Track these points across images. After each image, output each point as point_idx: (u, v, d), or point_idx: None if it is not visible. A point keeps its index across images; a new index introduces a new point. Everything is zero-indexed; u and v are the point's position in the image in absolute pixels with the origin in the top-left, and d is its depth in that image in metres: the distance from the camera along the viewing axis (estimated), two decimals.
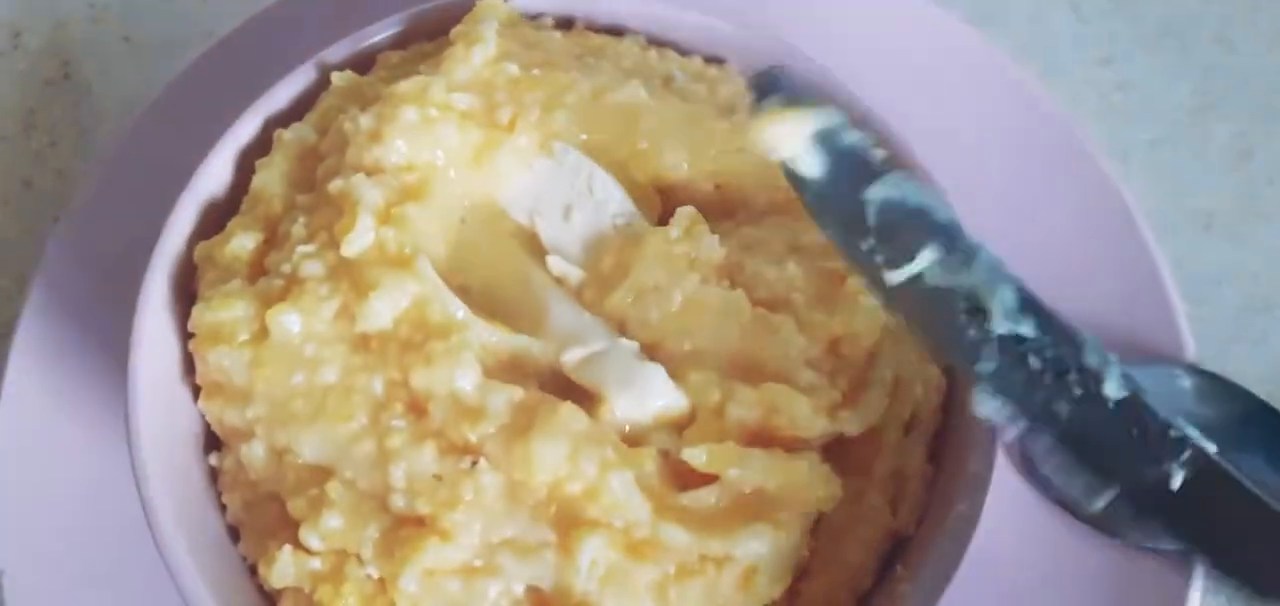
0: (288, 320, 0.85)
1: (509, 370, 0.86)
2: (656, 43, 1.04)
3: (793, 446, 0.84)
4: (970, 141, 1.09)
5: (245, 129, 0.97)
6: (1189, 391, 1.04)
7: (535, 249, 0.92)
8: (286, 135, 0.96)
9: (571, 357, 0.87)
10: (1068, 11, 1.39)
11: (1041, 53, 1.34)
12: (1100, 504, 0.97)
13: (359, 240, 0.86)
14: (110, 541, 0.97)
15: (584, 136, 0.95)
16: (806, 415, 0.84)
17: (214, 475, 0.91)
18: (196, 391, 0.90)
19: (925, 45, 1.17)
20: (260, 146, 0.97)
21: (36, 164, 1.29)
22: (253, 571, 0.87)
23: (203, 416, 0.91)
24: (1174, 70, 1.36)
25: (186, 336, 0.90)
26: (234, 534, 0.90)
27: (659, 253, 0.89)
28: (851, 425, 0.86)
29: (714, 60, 1.03)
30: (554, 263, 0.91)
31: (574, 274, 0.91)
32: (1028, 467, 0.96)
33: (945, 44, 1.17)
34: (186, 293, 0.93)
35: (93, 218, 1.12)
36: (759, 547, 0.81)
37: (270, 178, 0.94)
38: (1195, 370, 1.03)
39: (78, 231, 1.12)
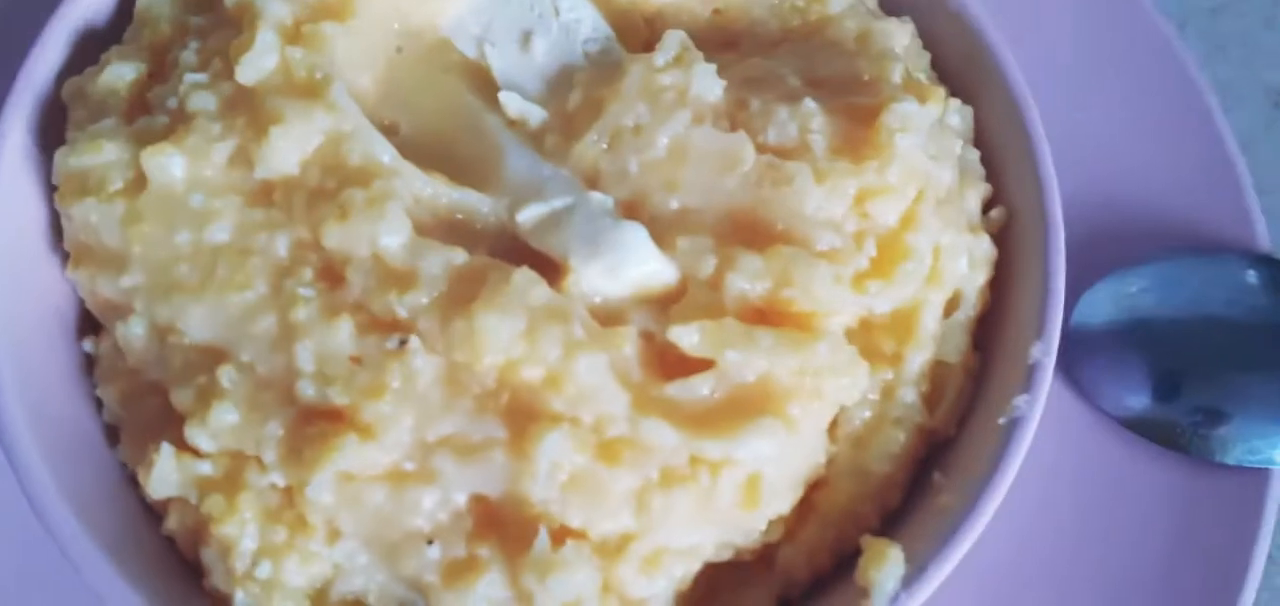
0: (169, 163, 0.68)
1: (449, 230, 0.69)
2: None
3: (806, 326, 0.67)
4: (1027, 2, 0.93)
5: None
6: (1257, 285, 0.89)
7: (485, 86, 0.74)
8: None
9: (528, 216, 0.69)
10: None
11: None
12: (1178, 415, 0.82)
13: (258, 62, 0.68)
14: None
15: None
16: (826, 286, 0.67)
17: (90, 365, 0.74)
18: (66, 261, 0.73)
19: None
20: None
21: None
22: (135, 483, 0.70)
23: (76, 293, 0.74)
24: None
25: (53, 192, 0.72)
26: (114, 435, 0.73)
27: (641, 86, 0.71)
28: (881, 300, 0.69)
29: None
30: (508, 101, 0.73)
31: (534, 114, 0.73)
32: (1072, 367, 0.81)
33: None
34: (58, 142, 0.75)
35: None
36: (764, 449, 0.65)
37: None
38: (1267, 260, 0.88)
39: None
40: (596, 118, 0.71)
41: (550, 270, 0.68)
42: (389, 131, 0.71)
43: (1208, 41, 1.13)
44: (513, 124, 0.73)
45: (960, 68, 0.81)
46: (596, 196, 0.70)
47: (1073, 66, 0.96)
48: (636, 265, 0.68)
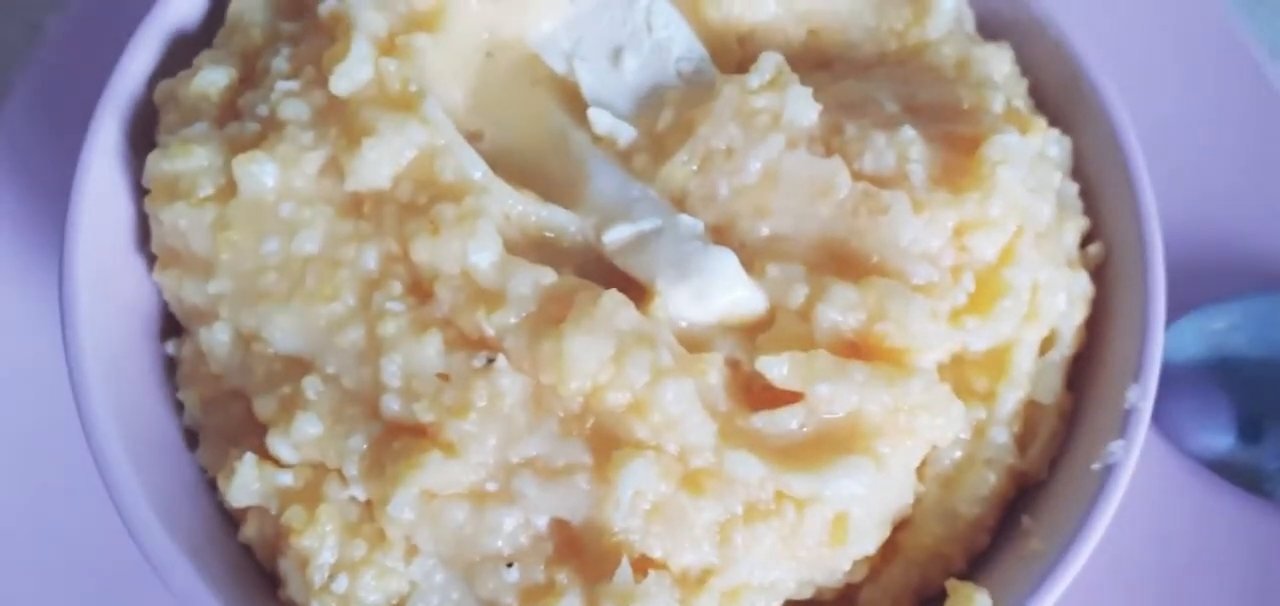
0: (261, 171, 0.67)
1: (536, 247, 0.68)
2: None
3: (899, 361, 0.65)
4: (1113, 22, 0.91)
5: None
6: None
7: (574, 101, 0.73)
8: None
9: (615, 237, 0.68)
10: None
11: None
12: (1262, 460, 0.80)
13: (353, 72, 0.67)
14: (46, 441, 0.80)
15: None
16: (921, 321, 0.65)
17: (171, 367, 0.74)
18: (153, 265, 0.73)
19: None
20: None
21: (5, 15, 1.12)
22: (213, 487, 0.70)
23: (160, 296, 0.74)
24: None
25: (143, 197, 0.73)
26: (192, 439, 0.73)
27: (734, 108, 0.70)
28: (977, 337, 0.67)
29: None
30: (598, 118, 0.72)
31: (623, 133, 0.72)
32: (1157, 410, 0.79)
33: None
34: (148, 146, 0.75)
35: (57, 70, 0.96)
36: (853, 488, 0.63)
37: (252, 2, 0.76)
38: None
39: (39, 87, 0.96)
40: (687, 138, 0.70)
41: (635, 292, 0.67)
42: (473, 139, 0.70)
43: None
44: (601, 141, 0.72)
45: (1058, 96, 0.79)
46: (685, 219, 0.69)
47: (1166, 96, 0.94)
48: (724, 291, 0.67)
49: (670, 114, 0.72)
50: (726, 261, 0.67)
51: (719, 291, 0.67)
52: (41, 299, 0.85)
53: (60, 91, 0.96)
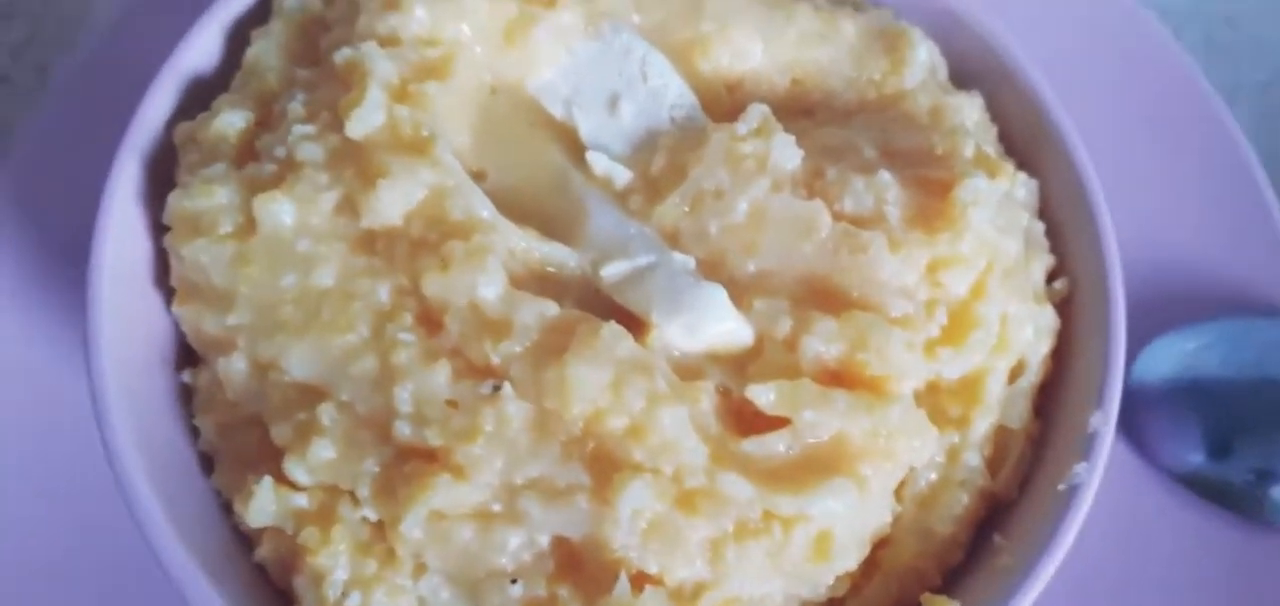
0: (279, 210, 0.71)
1: (537, 282, 0.72)
2: None
3: (879, 389, 0.70)
4: (1078, 70, 0.97)
5: None
6: None
7: (572, 144, 0.78)
8: (288, 2, 0.82)
9: (612, 273, 0.73)
10: None
11: None
12: (1232, 474, 0.84)
13: (367, 118, 0.72)
14: (65, 469, 0.83)
15: (637, 18, 0.80)
16: (898, 352, 0.70)
17: (187, 395, 0.78)
18: (171, 297, 0.77)
19: None
20: (257, 17, 0.83)
21: (15, 59, 1.15)
22: (228, 509, 0.74)
23: (177, 326, 0.78)
24: None
25: (161, 233, 0.76)
26: (207, 463, 0.76)
27: (723, 153, 0.74)
28: (950, 367, 0.72)
29: None
30: (595, 161, 0.77)
31: (619, 175, 0.77)
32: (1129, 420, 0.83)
33: None
34: (166, 183, 0.79)
35: (69, 111, 0.99)
36: (836, 507, 0.67)
37: (267, 49, 0.80)
38: None
39: (52, 126, 0.98)
40: (680, 181, 0.75)
41: (632, 325, 0.71)
42: (477, 178, 0.75)
43: (1258, 112, 1.15)
44: (598, 182, 0.77)
45: (1025, 141, 0.84)
46: (678, 256, 0.73)
47: (1129, 139, 0.99)
48: (715, 324, 0.71)
49: (664, 158, 0.77)
50: (716, 296, 0.71)
51: (710, 324, 0.71)
52: (47, 341, 0.87)
53: (70, 134, 0.98)
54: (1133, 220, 0.86)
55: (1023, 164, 0.82)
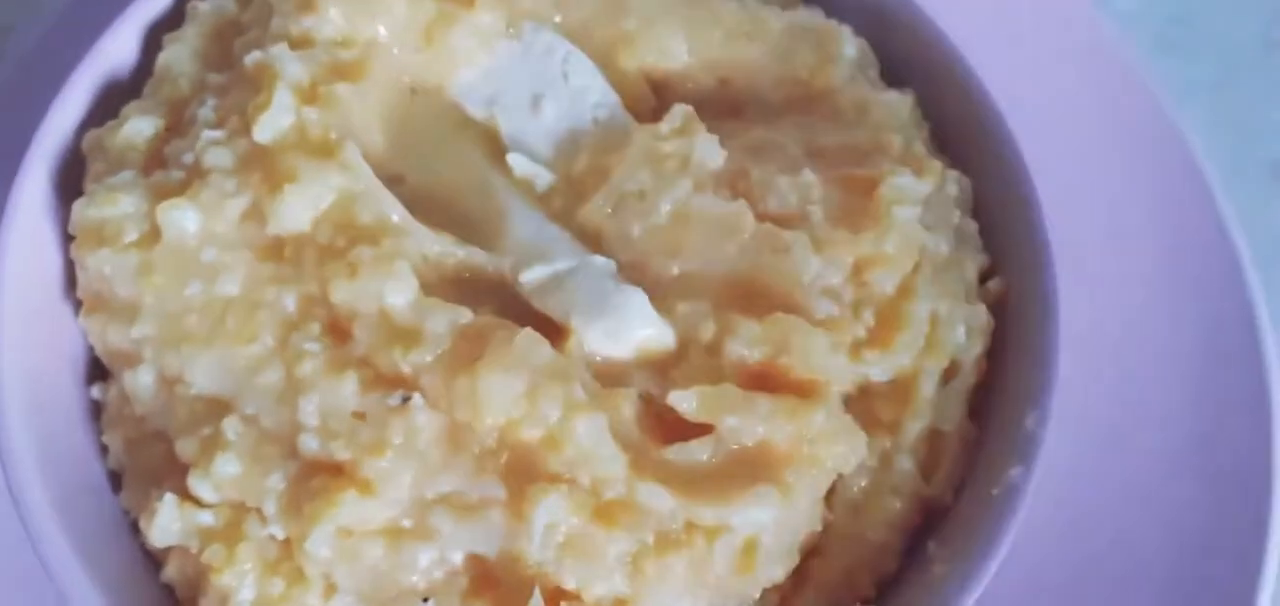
0: (183, 217, 0.69)
1: (454, 288, 0.70)
2: None
3: (805, 393, 0.68)
4: (1023, 69, 0.94)
5: (153, 2, 0.81)
6: None
7: (493, 147, 0.76)
8: (202, 6, 0.80)
9: (532, 277, 0.70)
10: None
11: None
12: None
13: (275, 121, 0.70)
14: None
15: (558, 17, 0.78)
16: (823, 354, 0.68)
17: (97, 411, 0.75)
18: (80, 308, 0.74)
19: None
20: (173, 21, 0.81)
21: None
22: (136, 528, 0.71)
23: (86, 340, 0.75)
24: (1238, 3, 1.20)
25: (69, 244, 0.74)
26: (117, 481, 0.73)
27: (646, 153, 0.72)
28: (878, 369, 0.70)
29: None
30: (516, 162, 0.75)
31: (541, 176, 0.75)
32: None
33: None
34: (76, 193, 0.77)
35: None
36: (761, 516, 0.65)
37: (180, 54, 0.78)
38: None
39: None
40: (602, 183, 0.73)
41: (552, 331, 0.69)
42: (395, 181, 0.73)
43: (1211, 116, 1.14)
44: (519, 185, 0.75)
45: (960, 136, 0.82)
46: (599, 260, 0.71)
47: (1070, 136, 0.97)
48: (637, 328, 0.69)
49: (585, 159, 0.75)
50: (638, 300, 0.69)
51: (631, 328, 0.69)
52: None
53: None
54: (1073, 219, 0.85)
55: (958, 162, 0.80)
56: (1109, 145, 1.00)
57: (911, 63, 0.84)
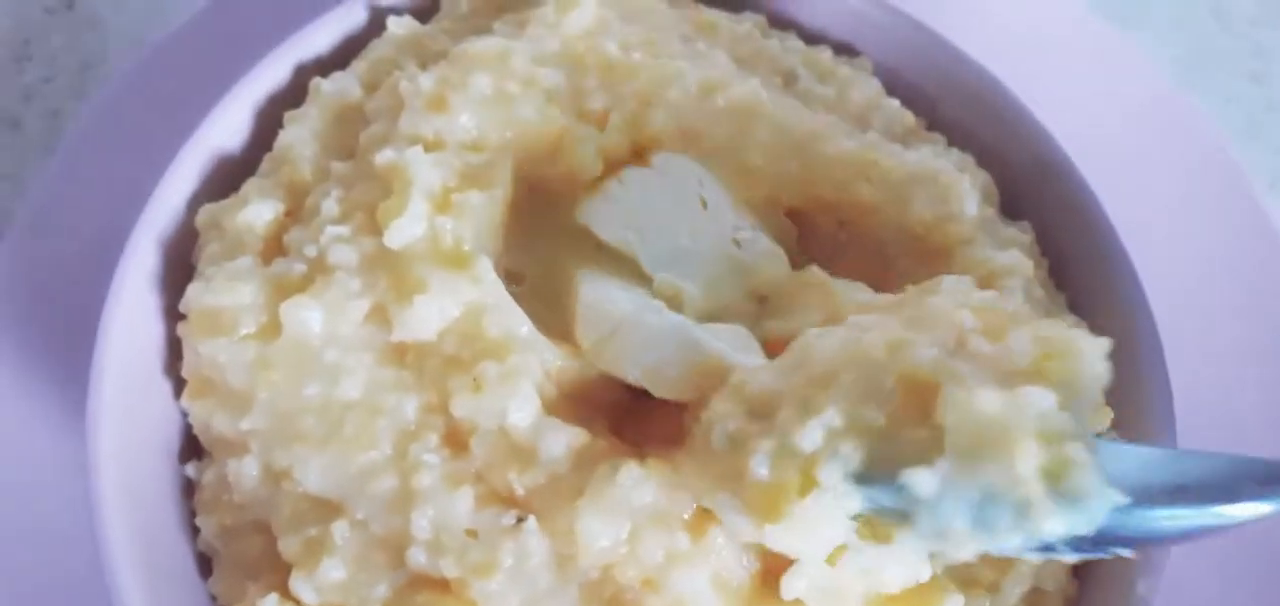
0: (308, 315, 0.68)
1: (570, 401, 0.69)
2: (779, 23, 0.88)
3: None
4: (1117, 149, 0.94)
5: (271, 73, 0.80)
6: None
7: (623, 268, 0.74)
8: (325, 86, 0.80)
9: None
10: (1211, 19, 1.20)
11: (1184, 64, 1.17)
12: None
13: (408, 228, 0.68)
14: (62, 555, 0.79)
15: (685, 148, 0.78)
16: None
17: (190, 489, 0.74)
18: (179, 386, 0.73)
19: (1072, 42, 1.05)
20: (290, 97, 0.81)
21: (27, 102, 1.12)
22: None
23: (184, 417, 0.74)
24: None
25: (175, 318, 0.73)
26: (205, 563, 0.72)
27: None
28: None
29: (845, 50, 0.88)
30: (664, 282, 0.73)
31: (689, 293, 0.72)
32: None
33: (1094, 46, 1.05)
34: (182, 266, 0.76)
35: (79, 171, 0.95)
36: None
37: (300, 135, 0.77)
38: None
39: (61, 186, 0.95)
40: (760, 309, 0.72)
41: (673, 423, 0.67)
42: (514, 279, 0.72)
43: None
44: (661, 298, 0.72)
45: (1082, 276, 0.81)
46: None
47: (1164, 218, 0.96)
48: None
49: (738, 282, 0.73)
50: None
51: None
52: (39, 416, 0.84)
53: (82, 195, 0.94)
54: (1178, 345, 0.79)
55: (1076, 303, 0.80)
56: (1198, 230, 0.97)
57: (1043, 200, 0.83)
